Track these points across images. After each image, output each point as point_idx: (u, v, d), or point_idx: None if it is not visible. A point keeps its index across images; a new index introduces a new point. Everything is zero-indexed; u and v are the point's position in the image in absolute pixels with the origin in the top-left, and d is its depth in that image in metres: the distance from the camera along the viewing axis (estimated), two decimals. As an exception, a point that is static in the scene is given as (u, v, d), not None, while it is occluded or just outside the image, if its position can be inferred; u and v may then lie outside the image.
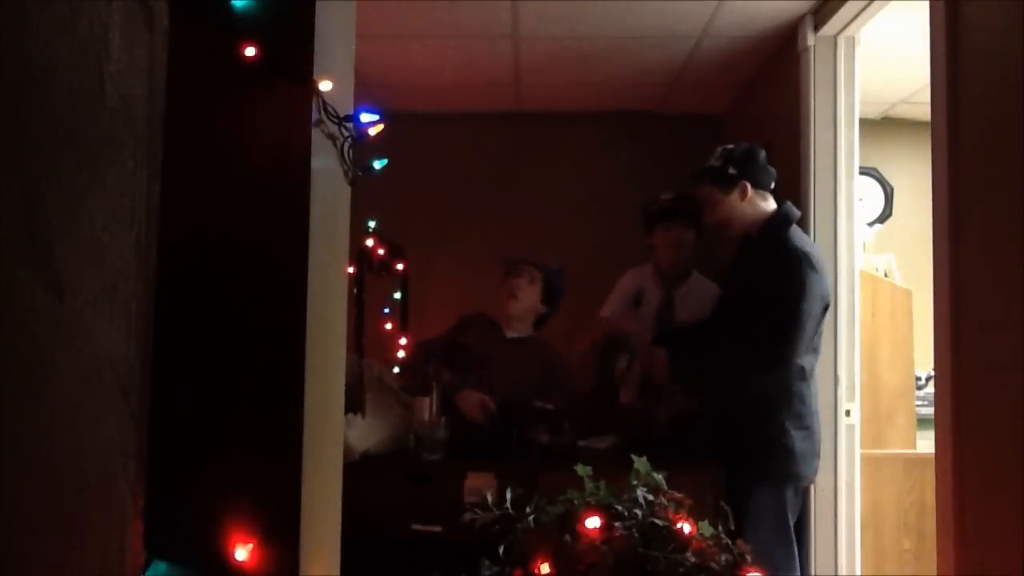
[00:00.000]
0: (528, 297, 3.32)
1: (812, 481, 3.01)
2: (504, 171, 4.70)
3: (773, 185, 3.02)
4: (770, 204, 2.99)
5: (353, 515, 1.99)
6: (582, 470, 1.99)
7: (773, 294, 2.81)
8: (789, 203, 3.02)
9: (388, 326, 4.04)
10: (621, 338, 3.16)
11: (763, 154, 3.02)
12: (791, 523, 2.90)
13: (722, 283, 3.24)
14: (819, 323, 2.89)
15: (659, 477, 1.99)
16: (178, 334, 1.57)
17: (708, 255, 3.61)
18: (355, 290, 3.67)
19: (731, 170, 2.95)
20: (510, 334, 3.33)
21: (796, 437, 2.88)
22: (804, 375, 2.90)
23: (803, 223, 3.25)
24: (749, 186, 2.95)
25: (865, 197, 4.45)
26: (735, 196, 2.95)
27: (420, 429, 2.93)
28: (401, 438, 2.97)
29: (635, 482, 1.97)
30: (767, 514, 2.84)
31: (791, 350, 2.79)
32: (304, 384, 1.62)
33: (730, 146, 3.01)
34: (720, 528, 1.92)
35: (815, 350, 2.94)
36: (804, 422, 2.90)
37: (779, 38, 3.47)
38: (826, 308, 2.92)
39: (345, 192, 1.93)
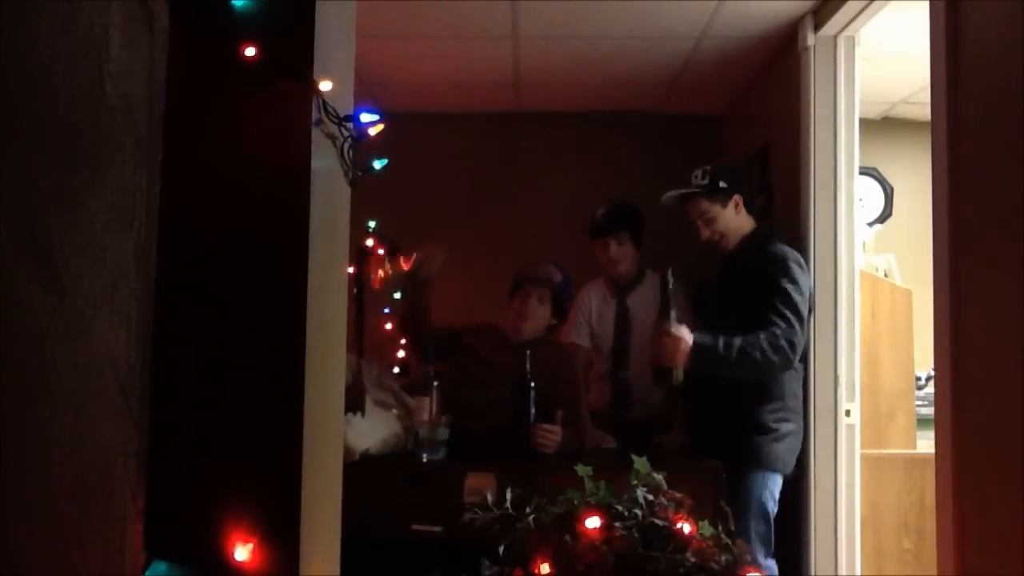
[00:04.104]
0: (539, 316, 3.30)
1: (789, 472, 3.07)
2: (504, 171, 4.70)
3: (753, 204, 3.22)
4: (750, 220, 3.19)
5: (353, 515, 1.99)
6: (582, 470, 1.99)
7: (771, 290, 2.96)
8: (769, 222, 3.25)
9: (388, 326, 4.04)
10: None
11: (744, 171, 3.24)
12: (769, 505, 3.00)
13: (704, 297, 3.31)
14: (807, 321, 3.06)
15: (659, 477, 1.98)
16: (178, 334, 1.57)
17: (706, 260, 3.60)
18: (355, 290, 3.67)
19: (722, 184, 3.11)
20: (515, 340, 3.30)
21: (786, 428, 3.03)
22: (795, 367, 3.04)
23: (803, 223, 3.25)
24: (741, 200, 3.14)
25: (865, 197, 4.45)
26: (729, 209, 3.13)
27: (420, 429, 2.93)
28: (401, 438, 2.97)
29: (635, 482, 1.97)
30: (750, 500, 2.94)
31: (796, 335, 2.93)
32: (304, 384, 1.62)
33: (708, 167, 3.17)
34: (720, 528, 1.92)
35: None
36: (791, 416, 3.05)
37: (779, 38, 3.47)
38: (810, 310, 3.09)
39: (345, 192, 1.93)
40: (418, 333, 3.40)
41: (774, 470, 3.02)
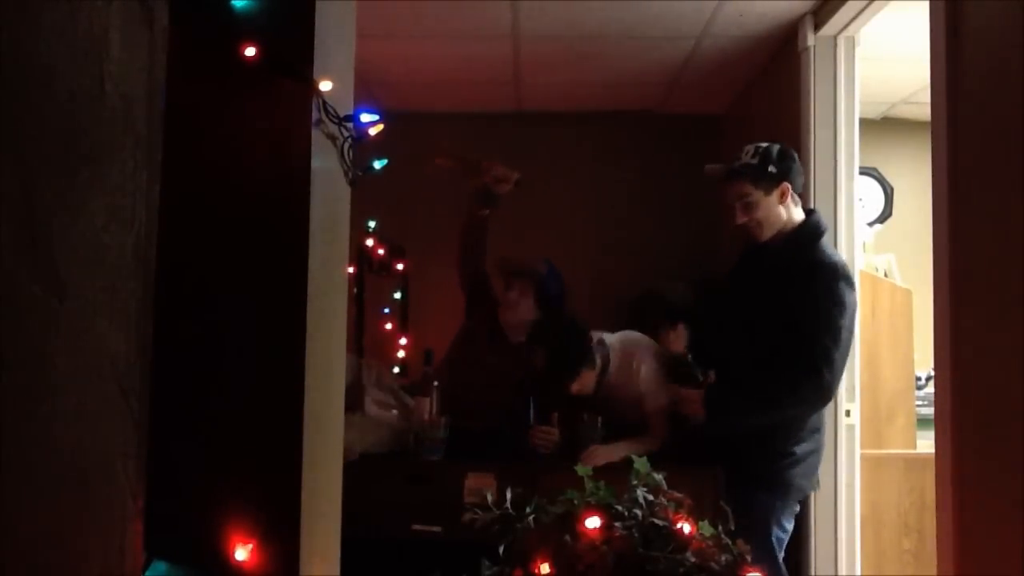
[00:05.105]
0: (520, 309, 3.26)
1: (807, 494, 2.96)
2: (504, 171, 4.69)
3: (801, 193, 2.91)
4: (799, 212, 2.87)
5: (353, 515, 1.99)
6: (582, 470, 1.99)
7: (810, 316, 2.69)
8: (818, 213, 2.95)
9: (388, 326, 4.04)
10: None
11: (796, 155, 2.90)
12: (775, 533, 2.82)
13: (727, 283, 3.15)
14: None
15: (659, 477, 1.98)
16: (178, 334, 1.57)
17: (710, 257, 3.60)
18: (355, 290, 3.68)
19: (772, 169, 2.78)
20: (514, 340, 3.31)
21: (804, 450, 2.83)
22: None
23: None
24: (790, 188, 2.82)
25: (865, 197, 4.45)
26: (773, 198, 2.80)
27: (420, 429, 2.93)
28: (401, 438, 2.97)
29: (635, 482, 1.97)
30: (752, 524, 2.62)
31: (835, 374, 2.71)
32: (304, 384, 1.62)
33: (763, 144, 2.84)
34: (720, 528, 1.92)
35: None
36: (812, 436, 2.85)
37: (779, 38, 3.47)
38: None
39: (345, 192, 1.93)
40: (470, 270, 3.40)
41: (784, 496, 2.82)
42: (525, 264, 3.34)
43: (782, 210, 2.81)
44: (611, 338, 3.09)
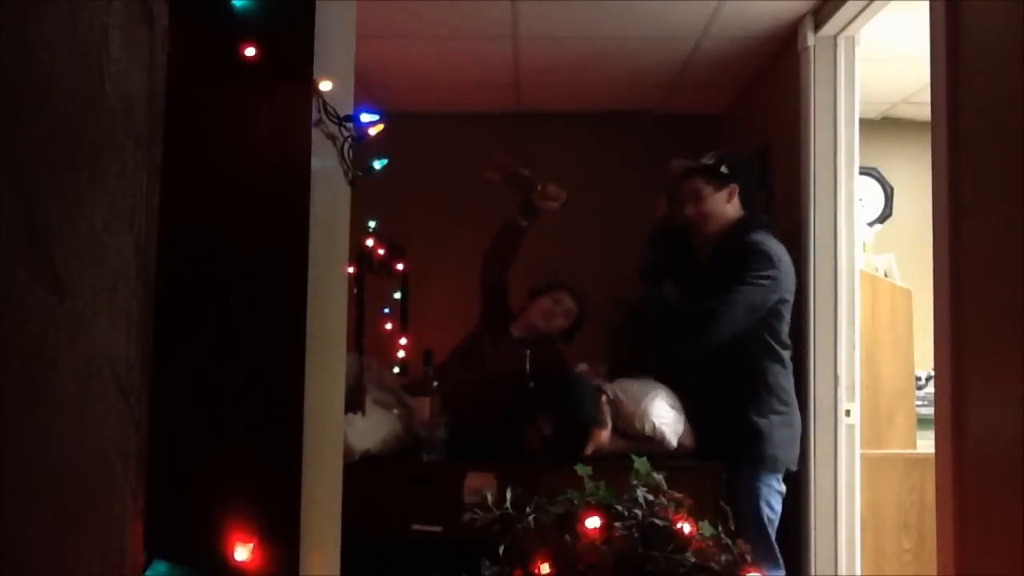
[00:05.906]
0: (554, 325, 3.40)
1: (789, 468, 3.01)
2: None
3: (753, 201, 3.20)
4: (741, 213, 3.13)
5: (353, 515, 1.99)
6: (582, 470, 1.99)
7: (721, 279, 2.96)
8: (759, 211, 3.23)
9: (388, 326, 4.04)
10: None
11: (757, 166, 3.22)
12: (764, 512, 2.90)
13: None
14: (779, 316, 2.98)
15: (659, 477, 1.99)
16: (178, 334, 1.57)
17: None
18: (355, 290, 3.67)
19: (724, 170, 3.09)
20: (517, 335, 3.35)
21: (773, 422, 2.94)
22: (782, 363, 3.00)
23: (803, 223, 3.25)
24: (737, 191, 3.09)
25: (865, 197, 4.45)
26: (721, 196, 3.09)
27: (420, 429, 2.93)
28: (401, 438, 2.97)
29: (635, 482, 1.97)
30: (740, 503, 2.77)
31: (718, 321, 2.89)
32: (304, 384, 1.62)
33: (721, 152, 3.19)
34: (720, 528, 1.92)
35: (785, 344, 3.01)
36: (780, 409, 2.96)
37: (779, 38, 3.47)
38: (783, 303, 2.99)
39: (345, 192, 1.93)
40: (493, 272, 3.52)
41: (761, 466, 2.92)
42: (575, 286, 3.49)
43: (729, 208, 3.10)
44: (610, 389, 3.06)
